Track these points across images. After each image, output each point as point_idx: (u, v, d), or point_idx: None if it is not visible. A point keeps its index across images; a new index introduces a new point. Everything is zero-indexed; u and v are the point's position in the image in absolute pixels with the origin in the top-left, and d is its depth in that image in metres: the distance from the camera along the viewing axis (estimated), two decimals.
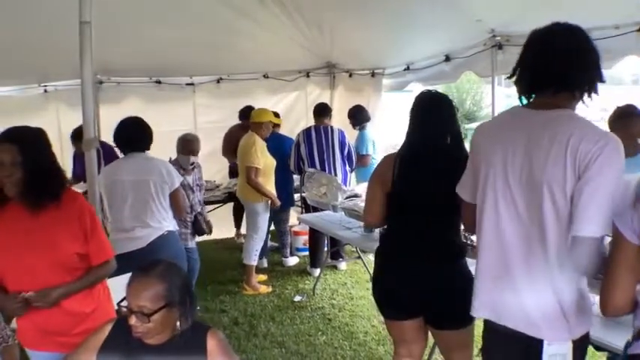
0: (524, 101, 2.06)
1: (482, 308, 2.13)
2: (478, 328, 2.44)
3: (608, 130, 3.20)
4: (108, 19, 4.03)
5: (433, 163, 2.58)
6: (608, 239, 1.82)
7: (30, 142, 2.29)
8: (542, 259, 1.92)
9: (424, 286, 2.69)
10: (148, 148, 3.98)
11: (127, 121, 3.98)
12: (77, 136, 5.37)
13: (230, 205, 6.97)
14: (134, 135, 3.92)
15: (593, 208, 1.77)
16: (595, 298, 1.87)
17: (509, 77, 2.10)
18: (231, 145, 6.54)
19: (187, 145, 4.91)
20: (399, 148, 2.90)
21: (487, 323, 2.16)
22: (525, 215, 1.95)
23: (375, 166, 6.33)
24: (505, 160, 1.99)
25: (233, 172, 6.81)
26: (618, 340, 2.22)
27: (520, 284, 1.98)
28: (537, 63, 1.98)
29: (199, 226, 4.88)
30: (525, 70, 2.03)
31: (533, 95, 2.03)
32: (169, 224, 3.93)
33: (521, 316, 1.98)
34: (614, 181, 1.77)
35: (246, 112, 6.77)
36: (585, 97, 1.98)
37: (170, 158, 4.66)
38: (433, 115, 2.79)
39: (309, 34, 6.19)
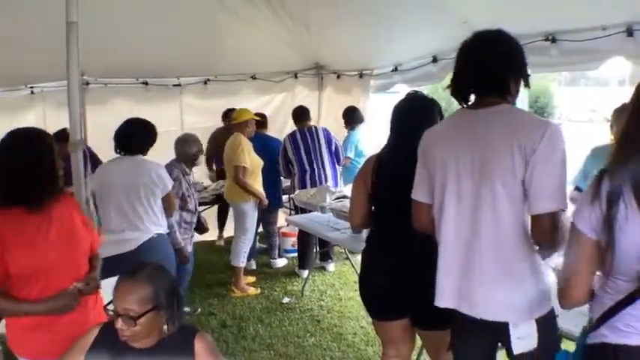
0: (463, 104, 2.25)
1: (447, 299, 2.23)
2: None
3: (615, 124, 3.38)
4: (94, 19, 3.98)
5: (411, 165, 2.60)
6: (563, 214, 2.01)
7: None
8: (501, 248, 2.07)
9: (410, 285, 2.71)
10: (146, 153, 3.96)
11: (132, 122, 3.96)
12: (59, 138, 5.36)
13: (216, 208, 6.97)
14: (136, 138, 3.91)
15: (545, 186, 1.96)
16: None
17: (447, 88, 2.29)
18: (215, 148, 6.55)
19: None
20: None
21: (453, 314, 2.26)
22: (482, 206, 2.08)
23: (355, 169, 6.43)
24: (457, 158, 2.15)
25: (217, 175, 6.78)
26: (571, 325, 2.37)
27: (482, 273, 2.11)
28: (467, 67, 2.20)
29: (202, 226, 4.91)
30: (458, 78, 2.23)
31: (470, 100, 2.22)
32: (159, 227, 3.91)
33: (485, 304, 2.11)
34: (559, 160, 1.96)
35: (228, 115, 6.78)
36: (521, 88, 2.19)
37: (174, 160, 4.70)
38: (412, 117, 2.82)
39: (297, 35, 6.19)
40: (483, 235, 2.09)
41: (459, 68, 2.23)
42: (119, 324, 1.98)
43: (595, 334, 1.76)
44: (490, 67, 2.12)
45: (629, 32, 3.62)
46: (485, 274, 2.11)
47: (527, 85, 2.19)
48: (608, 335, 1.72)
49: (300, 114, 6.35)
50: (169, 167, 4.45)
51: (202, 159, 4.94)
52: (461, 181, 2.14)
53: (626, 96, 3.50)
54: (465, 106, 2.23)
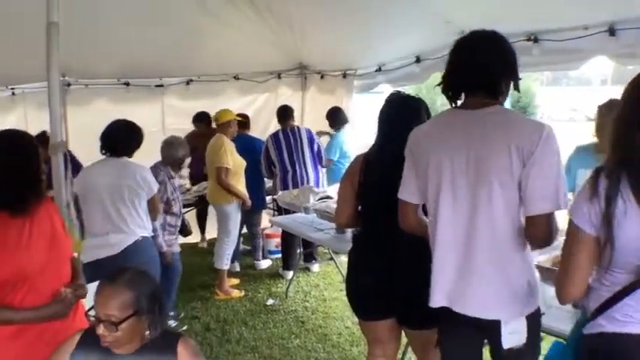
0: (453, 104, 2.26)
1: (441, 298, 2.24)
2: None
3: (599, 121, 3.40)
4: (75, 19, 3.94)
5: (399, 165, 2.59)
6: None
7: None
8: (496, 247, 2.10)
9: (397, 286, 2.71)
10: (131, 155, 3.92)
11: (118, 123, 3.91)
12: (40, 141, 5.28)
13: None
14: (121, 139, 3.86)
15: (541, 188, 1.99)
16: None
17: (438, 85, 2.29)
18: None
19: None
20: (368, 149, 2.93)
21: (442, 313, 2.26)
22: (478, 207, 2.10)
23: (339, 170, 6.43)
24: (452, 158, 2.15)
25: (193, 177, 6.73)
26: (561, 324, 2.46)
27: (478, 273, 2.14)
28: (459, 67, 2.20)
29: (186, 228, 4.88)
30: (450, 76, 2.23)
31: (460, 99, 2.23)
32: (144, 230, 3.87)
33: (480, 303, 2.14)
34: (555, 162, 2.01)
35: (200, 118, 6.73)
36: (511, 90, 2.21)
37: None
38: (400, 117, 2.82)
39: (280, 35, 6.16)
40: (479, 234, 2.11)
41: (454, 66, 2.23)
42: (101, 330, 1.95)
43: (592, 325, 1.80)
44: (488, 67, 2.14)
45: (611, 32, 3.64)
46: (480, 273, 2.13)
47: (516, 88, 2.20)
48: (606, 325, 1.76)
49: (284, 113, 6.33)
50: (155, 170, 4.40)
51: (188, 161, 4.89)
52: (456, 181, 2.15)
53: (608, 95, 3.53)
54: (454, 105, 2.24)
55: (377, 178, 2.79)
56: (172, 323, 4.81)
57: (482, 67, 2.13)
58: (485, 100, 2.14)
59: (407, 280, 2.68)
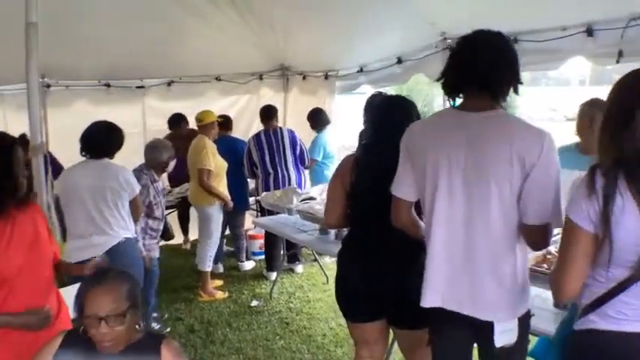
0: (453, 103, 2.24)
1: (435, 298, 2.24)
2: None
3: (580, 120, 3.42)
4: (55, 20, 3.90)
5: (388, 164, 2.59)
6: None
7: None
8: (492, 248, 2.11)
9: (388, 287, 2.70)
10: (112, 156, 3.89)
11: (98, 125, 3.87)
12: (19, 144, 5.23)
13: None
14: (102, 140, 3.83)
15: (540, 200, 2.02)
16: None
17: (438, 80, 2.28)
18: None
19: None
20: (356, 149, 2.92)
21: (434, 312, 2.26)
22: (474, 207, 2.10)
23: (322, 171, 6.43)
24: (449, 158, 2.14)
25: (171, 179, 6.67)
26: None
27: (473, 273, 2.14)
28: (461, 65, 2.18)
29: (168, 232, 4.84)
30: (451, 72, 2.21)
31: (459, 96, 2.22)
32: (127, 231, 3.84)
33: (473, 302, 2.15)
34: (555, 172, 2.03)
35: (176, 120, 6.68)
36: (509, 95, 2.19)
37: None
38: (390, 118, 2.82)
39: (262, 36, 6.16)
40: (475, 235, 2.12)
41: (457, 64, 2.20)
42: (102, 329, 1.92)
43: (583, 321, 1.81)
44: (497, 68, 2.11)
45: (589, 32, 3.70)
46: (475, 273, 2.14)
47: (516, 91, 2.18)
48: (598, 322, 1.77)
49: (267, 113, 6.29)
50: (138, 173, 4.37)
51: (172, 165, 4.85)
52: (453, 181, 2.14)
53: (586, 95, 3.57)
54: (451, 104, 2.23)
55: (368, 178, 2.77)
56: (155, 325, 4.78)
57: (486, 68, 2.10)
58: (486, 102, 2.12)
59: (398, 281, 2.67)
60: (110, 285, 1.99)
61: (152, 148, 4.71)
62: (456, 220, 2.15)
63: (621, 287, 1.71)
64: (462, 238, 2.15)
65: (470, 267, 2.15)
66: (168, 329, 4.85)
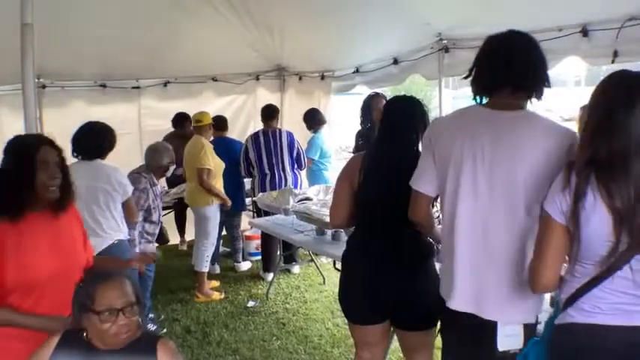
0: (479, 100, 2.20)
1: (461, 302, 2.20)
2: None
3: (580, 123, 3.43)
4: (51, 21, 3.89)
5: (398, 164, 2.59)
6: None
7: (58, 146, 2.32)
8: (513, 249, 2.09)
9: (394, 289, 2.68)
10: (104, 157, 3.87)
11: (90, 125, 3.86)
12: None
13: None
14: (93, 141, 3.82)
15: None
16: None
17: (466, 77, 2.24)
18: None
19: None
20: (354, 148, 2.92)
21: (445, 312, 2.27)
22: (498, 206, 2.08)
23: (320, 171, 6.43)
24: (475, 155, 2.10)
25: (170, 183, 6.68)
26: None
27: (493, 273, 2.12)
28: (498, 64, 2.12)
29: (164, 237, 4.84)
30: (484, 71, 2.17)
31: (487, 96, 2.18)
32: (120, 233, 3.83)
33: (492, 304, 2.13)
34: None
35: (181, 120, 6.67)
36: (533, 98, 2.15)
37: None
38: (396, 116, 2.81)
39: (259, 36, 6.16)
40: (499, 237, 2.10)
41: (495, 63, 2.14)
42: (121, 320, 1.97)
43: (562, 316, 1.88)
44: (535, 68, 2.10)
45: (584, 32, 3.71)
46: (497, 276, 2.12)
47: (540, 96, 2.16)
48: (575, 316, 1.83)
49: (268, 113, 6.30)
50: (137, 177, 4.35)
51: (172, 169, 4.84)
52: (479, 179, 2.10)
53: (582, 95, 3.59)
54: (477, 102, 2.20)
55: (376, 178, 2.74)
56: (152, 326, 4.77)
57: (525, 69, 2.09)
58: (517, 102, 2.11)
59: (404, 283, 2.66)
60: (117, 280, 2.05)
61: (153, 152, 4.67)
62: (478, 218, 2.12)
63: (595, 282, 1.78)
64: (482, 239, 2.12)
65: (491, 270, 2.12)
66: (164, 330, 4.84)
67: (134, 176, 4.33)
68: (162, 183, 6.70)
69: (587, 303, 1.80)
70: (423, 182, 2.33)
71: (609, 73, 1.82)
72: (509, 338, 2.12)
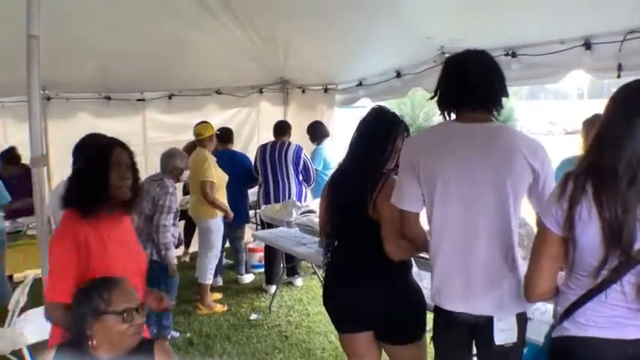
0: (447, 117, 2.35)
1: (450, 299, 2.30)
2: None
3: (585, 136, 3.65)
4: (56, 33, 3.92)
5: (369, 179, 2.63)
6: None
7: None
8: (495, 249, 2.20)
9: (374, 299, 2.69)
10: None
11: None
12: (6, 158, 5.38)
13: (181, 224, 6.86)
14: None
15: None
16: None
17: (431, 98, 2.38)
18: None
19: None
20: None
21: (437, 310, 2.37)
22: (489, 213, 2.18)
23: (324, 183, 6.41)
24: (457, 167, 2.21)
25: (187, 191, 6.68)
26: None
27: (477, 273, 2.22)
28: (457, 82, 2.28)
29: (180, 238, 5.01)
30: (445, 92, 2.33)
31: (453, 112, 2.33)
32: None
33: (479, 301, 2.22)
34: (554, 181, 2.14)
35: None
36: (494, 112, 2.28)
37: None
38: (362, 134, 2.81)
39: (262, 50, 6.19)
40: (482, 241, 2.20)
41: (453, 83, 2.31)
42: (138, 320, 2.05)
43: (559, 328, 1.90)
44: (494, 83, 2.25)
45: (587, 46, 3.73)
46: (481, 273, 2.22)
47: (499, 108, 2.29)
48: (571, 329, 1.86)
49: (279, 128, 6.35)
50: (161, 181, 4.46)
51: (187, 174, 4.90)
52: (463, 190, 2.21)
53: (585, 108, 3.61)
54: (447, 118, 2.33)
55: (344, 193, 2.77)
56: (175, 334, 4.88)
57: (493, 83, 2.24)
58: (483, 115, 2.24)
59: (382, 294, 2.68)
60: (125, 282, 2.12)
61: (168, 156, 4.79)
62: (462, 225, 2.22)
63: (590, 295, 1.80)
64: (465, 243, 2.22)
65: (477, 267, 2.22)
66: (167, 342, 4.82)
67: (159, 182, 4.40)
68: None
69: (583, 316, 1.83)
70: (409, 202, 2.39)
71: (621, 85, 1.84)
72: (503, 332, 2.20)
